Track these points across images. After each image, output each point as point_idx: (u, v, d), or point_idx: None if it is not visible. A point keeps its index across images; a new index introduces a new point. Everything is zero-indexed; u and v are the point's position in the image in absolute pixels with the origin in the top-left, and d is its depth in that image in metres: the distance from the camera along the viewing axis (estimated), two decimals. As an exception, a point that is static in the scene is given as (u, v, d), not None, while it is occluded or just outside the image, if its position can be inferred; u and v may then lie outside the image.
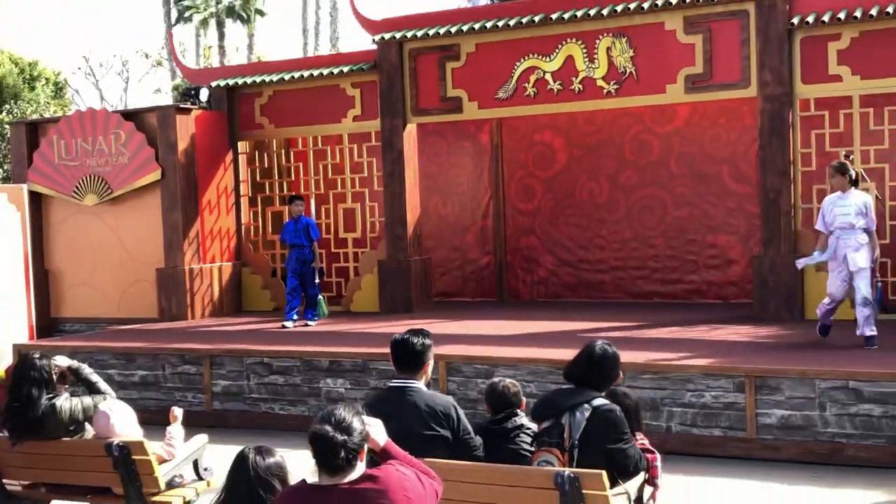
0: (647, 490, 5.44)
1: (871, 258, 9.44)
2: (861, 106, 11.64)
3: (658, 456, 5.50)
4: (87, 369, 6.60)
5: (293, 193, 14.19)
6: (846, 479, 7.90)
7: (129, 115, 14.98)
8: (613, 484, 5.01)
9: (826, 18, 11.33)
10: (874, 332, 9.39)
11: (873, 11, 11.08)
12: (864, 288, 9.33)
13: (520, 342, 10.59)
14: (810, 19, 11.42)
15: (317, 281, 12.99)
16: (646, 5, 12.15)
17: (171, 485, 6.39)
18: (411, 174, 14.06)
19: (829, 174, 9.81)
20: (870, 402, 8.24)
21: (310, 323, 12.84)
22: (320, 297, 13.04)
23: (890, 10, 11.00)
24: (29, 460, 6.39)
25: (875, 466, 8.12)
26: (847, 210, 9.38)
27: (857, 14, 11.14)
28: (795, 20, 11.53)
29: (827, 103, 11.82)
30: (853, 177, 9.55)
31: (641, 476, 5.29)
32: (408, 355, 5.35)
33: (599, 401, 5.19)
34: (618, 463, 5.14)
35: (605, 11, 12.37)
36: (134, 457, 6.09)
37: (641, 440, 5.46)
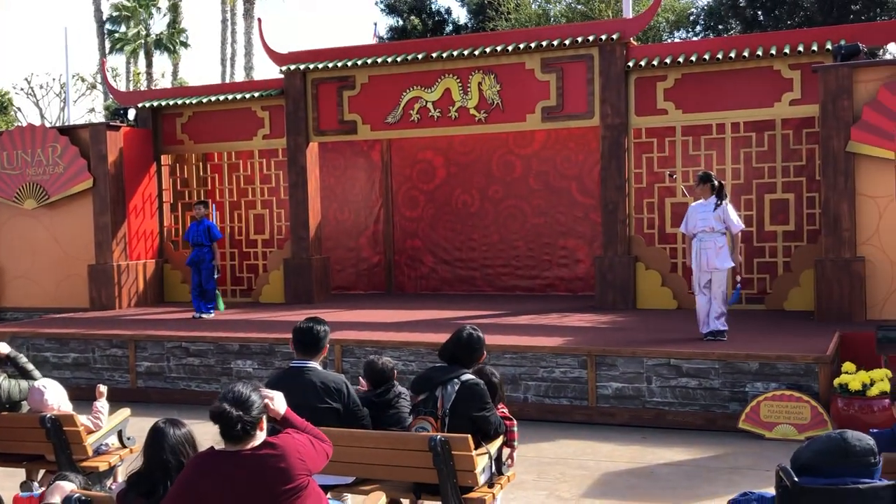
0: (506, 451, 5.49)
1: (729, 260, 9.02)
2: (682, 135, 12.01)
3: (515, 422, 5.56)
4: (23, 358, 6.43)
5: (198, 199, 13.83)
6: (668, 439, 8.12)
7: (65, 131, 14.41)
8: (478, 446, 5.05)
9: (655, 62, 11.66)
10: (724, 327, 9.05)
11: (692, 58, 11.47)
12: (717, 287, 9.02)
13: (404, 328, 10.57)
14: (642, 63, 11.74)
15: (216, 275, 12.50)
16: (510, 48, 12.31)
17: (98, 452, 6.21)
18: (313, 185, 13.92)
19: (694, 183, 9.19)
20: (687, 376, 8.51)
21: (205, 315, 12.29)
22: (217, 292, 12.64)
23: (706, 56, 11.41)
24: (-30, 433, 6.11)
25: (691, 429, 8.38)
26: (707, 216, 8.99)
27: (680, 59, 11.51)
28: (631, 63, 11.83)
29: (655, 132, 12.15)
30: (715, 186, 9.08)
31: (501, 439, 5.34)
32: (310, 340, 5.28)
33: (467, 376, 5.22)
34: (481, 427, 5.18)
35: (476, 52, 12.48)
36: (65, 428, 5.89)
37: (502, 409, 5.51)
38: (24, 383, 6.20)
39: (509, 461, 5.53)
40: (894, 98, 10.01)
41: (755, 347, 8.57)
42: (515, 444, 5.55)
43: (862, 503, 3.17)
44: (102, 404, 6.33)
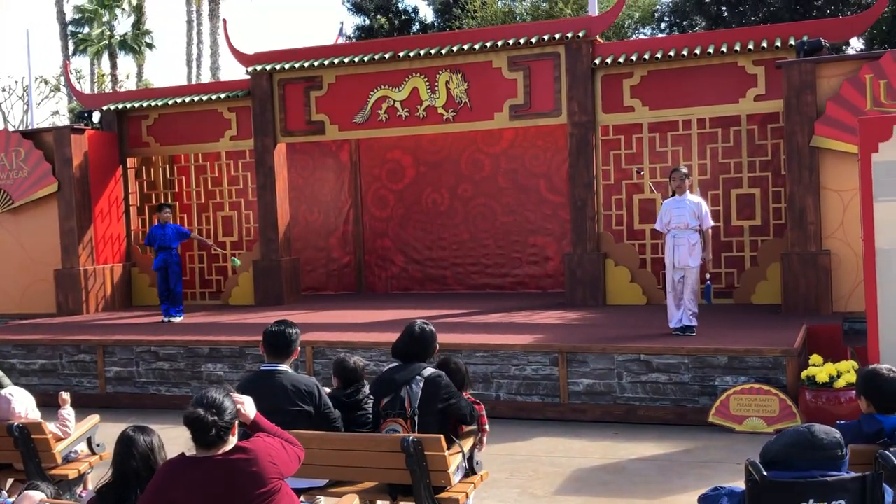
0: (471, 441, 5.47)
1: (701, 257, 9.05)
2: (649, 131, 12.09)
3: (483, 406, 5.58)
4: None
5: (162, 202, 13.68)
6: (639, 434, 8.17)
7: (29, 135, 14.22)
8: (450, 445, 5.06)
9: (621, 60, 11.72)
10: (694, 323, 9.11)
11: (658, 55, 11.55)
12: (690, 284, 9.04)
13: (375, 328, 10.53)
14: (609, 60, 11.80)
15: (185, 277, 12.39)
16: (477, 46, 12.32)
17: (67, 459, 6.16)
18: (281, 186, 13.85)
19: (679, 179, 9.09)
20: (657, 372, 8.57)
21: (174, 319, 12.13)
22: (234, 257, 12.49)
23: (672, 53, 11.49)
24: (-63, 442, 6.02)
25: (662, 424, 8.45)
26: (682, 212, 8.99)
27: (646, 56, 11.58)
28: (597, 61, 11.88)
29: (622, 129, 12.22)
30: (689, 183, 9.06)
31: (473, 439, 5.36)
32: (281, 343, 5.25)
33: (429, 371, 5.22)
34: (454, 416, 5.21)
35: (444, 51, 12.48)
36: (33, 436, 5.83)
37: (468, 395, 5.53)
38: (-10, 392, 6.12)
39: (480, 444, 5.51)
40: (857, 93, 10.14)
41: (724, 342, 8.65)
42: (486, 427, 5.57)
43: (829, 495, 3.21)
44: (67, 412, 6.27)
